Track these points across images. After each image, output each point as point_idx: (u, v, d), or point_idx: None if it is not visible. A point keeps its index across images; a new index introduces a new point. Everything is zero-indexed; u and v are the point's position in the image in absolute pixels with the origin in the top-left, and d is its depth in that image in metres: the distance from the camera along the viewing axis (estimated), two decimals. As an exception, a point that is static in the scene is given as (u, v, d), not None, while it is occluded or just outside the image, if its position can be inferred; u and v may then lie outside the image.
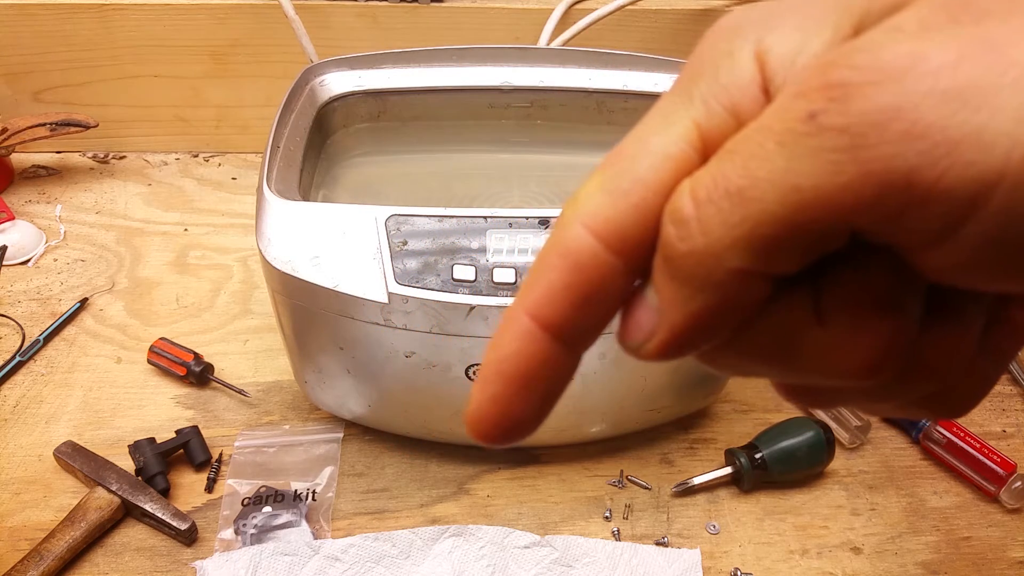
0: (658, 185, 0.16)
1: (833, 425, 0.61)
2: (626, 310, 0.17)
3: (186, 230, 0.80)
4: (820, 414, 0.63)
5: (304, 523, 0.55)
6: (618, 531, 0.56)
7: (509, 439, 0.18)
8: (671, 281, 0.16)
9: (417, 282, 0.47)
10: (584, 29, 0.78)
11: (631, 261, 0.16)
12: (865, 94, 0.13)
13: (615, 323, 0.18)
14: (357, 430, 0.61)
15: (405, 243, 0.47)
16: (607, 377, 0.52)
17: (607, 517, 0.57)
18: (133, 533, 0.55)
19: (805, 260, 0.15)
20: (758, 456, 0.57)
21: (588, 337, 0.18)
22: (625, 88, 0.63)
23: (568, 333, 0.17)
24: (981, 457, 0.59)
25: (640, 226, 0.16)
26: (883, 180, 0.13)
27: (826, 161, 0.13)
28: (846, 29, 0.15)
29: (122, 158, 0.89)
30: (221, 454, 0.59)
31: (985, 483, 0.59)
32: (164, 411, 0.62)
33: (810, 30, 0.16)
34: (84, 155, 0.89)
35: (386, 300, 0.47)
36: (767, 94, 0.16)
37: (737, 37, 0.16)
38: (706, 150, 0.16)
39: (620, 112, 0.64)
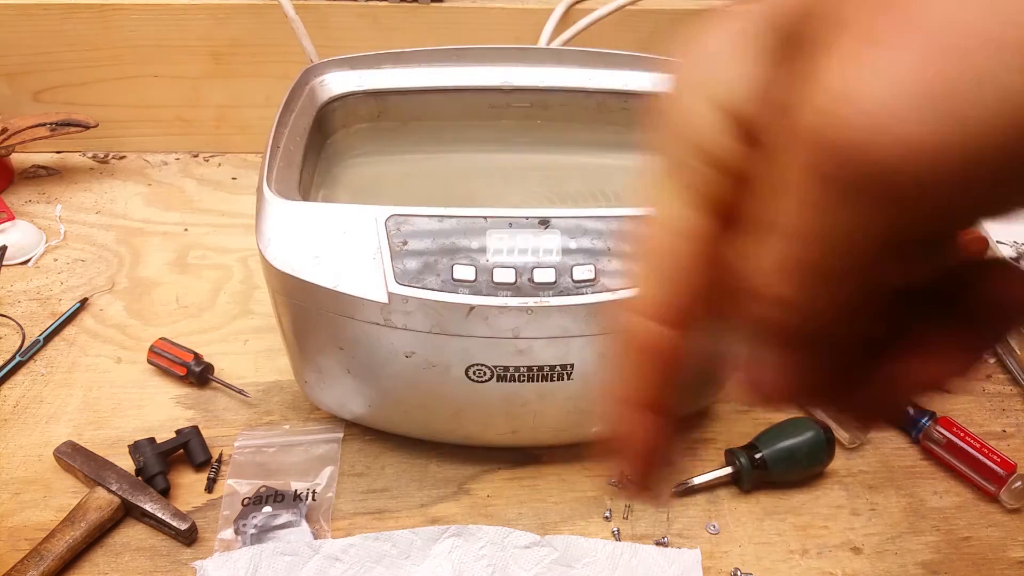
0: (691, 261, 0.19)
1: (833, 425, 0.61)
2: (740, 372, 0.20)
3: (186, 230, 0.80)
4: (820, 414, 0.63)
5: (304, 523, 0.55)
6: (618, 531, 0.56)
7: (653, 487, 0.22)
8: (786, 348, 0.18)
9: (417, 282, 0.47)
10: (584, 29, 0.78)
11: (691, 326, 0.19)
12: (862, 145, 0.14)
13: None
14: (357, 430, 0.61)
15: (405, 243, 0.47)
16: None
17: (607, 517, 0.57)
18: (133, 533, 0.55)
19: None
20: (758, 456, 0.57)
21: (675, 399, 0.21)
22: (625, 88, 0.63)
23: (662, 405, 0.20)
24: (981, 457, 0.59)
25: (692, 298, 0.19)
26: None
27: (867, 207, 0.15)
28: (774, 47, 0.17)
29: (122, 158, 0.89)
30: (221, 454, 0.59)
31: (985, 483, 0.59)
32: (164, 411, 0.62)
33: (749, 59, 0.17)
34: (84, 155, 0.89)
35: (386, 300, 0.47)
36: (744, 136, 0.17)
37: (690, 95, 0.18)
38: (711, 208, 0.18)
39: (620, 112, 0.64)
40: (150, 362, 0.65)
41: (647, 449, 0.21)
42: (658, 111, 0.19)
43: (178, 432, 0.59)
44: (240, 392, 0.63)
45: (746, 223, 0.17)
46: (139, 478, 0.56)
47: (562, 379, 0.51)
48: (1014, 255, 0.81)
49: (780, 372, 0.19)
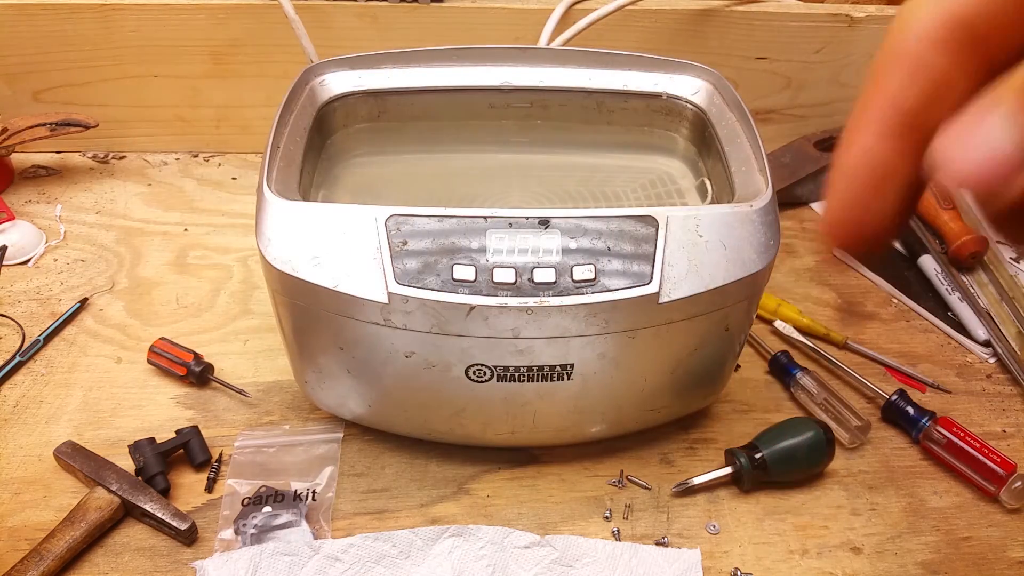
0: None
1: (833, 425, 0.61)
2: (973, 152, 0.16)
3: (186, 230, 0.80)
4: (820, 414, 0.63)
5: (304, 523, 0.55)
6: (618, 531, 0.56)
7: (863, 241, 0.19)
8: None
9: (417, 282, 0.47)
10: (584, 29, 0.78)
11: (977, 58, 0.16)
12: None
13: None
14: (357, 430, 0.61)
15: (405, 243, 0.47)
16: (607, 377, 0.52)
17: (607, 517, 0.57)
18: (133, 533, 0.55)
19: None
20: (758, 456, 0.57)
21: (931, 137, 0.17)
22: (625, 88, 0.63)
23: (915, 134, 0.17)
24: (981, 457, 0.59)
25: (986, 17, 0.16)
26: None
27: None
28: None
29: (122, 158, 0.89)
30: (221, 454, 0.59)
31: (985, 483, 0.59)
32: (164, 411, 0.62)
33: None
34: (84, 155, 0.89)
35: (386, 300, 0.47)
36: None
37: None
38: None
39: (620, 112, 0.64)
40: (150, 362, 0.65)
41: (881, 170, 0.18)
42: None
43: (178, 432, 0.59)
44: (240, 392, 0.63)
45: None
46: (139, 478, 0.56)
47: (562, 379, 0.51)
48: (1014, 256, 0.81)
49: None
